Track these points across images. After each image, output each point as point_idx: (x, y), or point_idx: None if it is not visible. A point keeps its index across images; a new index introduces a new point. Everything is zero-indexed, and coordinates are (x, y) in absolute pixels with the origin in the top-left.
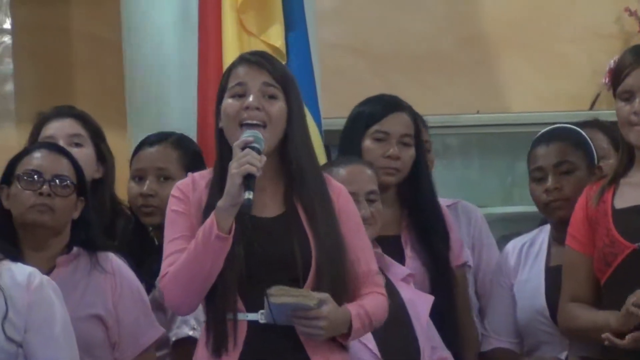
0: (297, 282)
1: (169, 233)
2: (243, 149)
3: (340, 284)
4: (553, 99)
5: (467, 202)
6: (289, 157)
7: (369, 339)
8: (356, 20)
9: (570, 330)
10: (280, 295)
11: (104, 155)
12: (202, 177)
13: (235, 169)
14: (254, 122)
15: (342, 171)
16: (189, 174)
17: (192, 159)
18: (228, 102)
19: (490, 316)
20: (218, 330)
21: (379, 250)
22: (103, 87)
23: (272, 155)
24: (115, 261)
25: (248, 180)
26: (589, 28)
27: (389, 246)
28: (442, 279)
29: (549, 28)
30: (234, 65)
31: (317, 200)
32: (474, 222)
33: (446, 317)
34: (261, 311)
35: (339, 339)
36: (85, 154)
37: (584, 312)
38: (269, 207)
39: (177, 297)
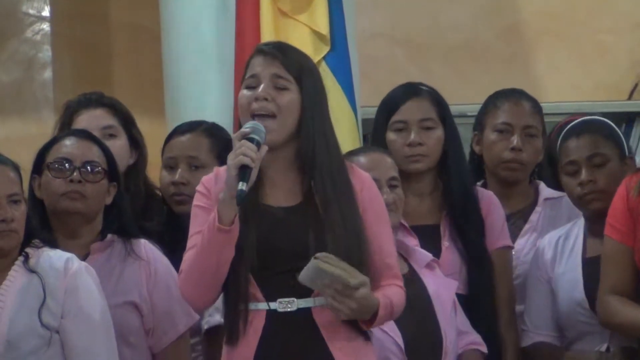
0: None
1: (191, 228)
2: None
3: (357, 267)
4: (591, 89)
5: None
6: (303, 148)
7: (391, 327)
8: (395, 9)
9: (610, 325)
10: (326, 262)
11: (136, 141)
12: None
13: (230, 160)
14: (263, 113)
15: (362, 159)
16: (215, 167)
17: (223, 147)
18: (242, 93)
19: (529, 311)
20: (233, 321)
21: (412, 237)
22: (141, 75)
23: (288, 146)
24: (149, 248)
25: (243, 172)
26: (628, 18)
27: (427, 236)
28: (478, 267)
29: (587, 18)
30: (251, 57)
31: (334, 190)
32: (576, 215)
33: (483, 305)
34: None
35: (361, 323)
36: (119, 146)
37: (624, 308)
38: (286, 197)
39: (191, 292)
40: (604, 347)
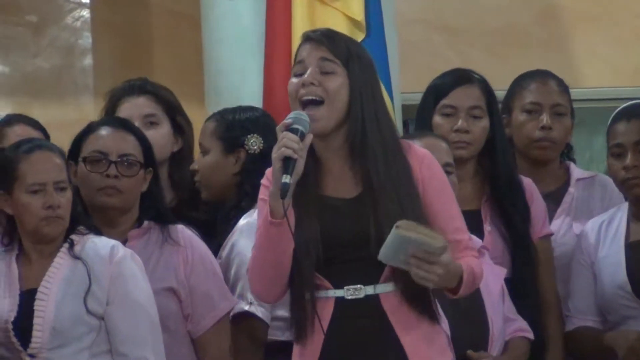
0: (377, 260)
1: (257, 222)
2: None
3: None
4: (630, 74)
5: (604, 176)
6: (352, 133)
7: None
8: None
9: None
10: (408, 229)
11: (181, 128)
12: None
13: (274, 154)
14: (311, 97)
15: (418, 143)
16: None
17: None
18: (291, 81)
19: (572, 296)
20: (298, 312)
21: None
22: (181, 61)
23: (339, 133)
24: (186, 233)
25: (286, 164)
26: None
27: (469, 221)
28: (522, 253)
29: (626, 2)
30: (299, 45)
31: (389, 175)
32: (609, 195)
33: (527, 290)
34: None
35: (447, 292)
36: (160, 134)
37: None
38: (347, 187)
39: (257, 287)
40: None
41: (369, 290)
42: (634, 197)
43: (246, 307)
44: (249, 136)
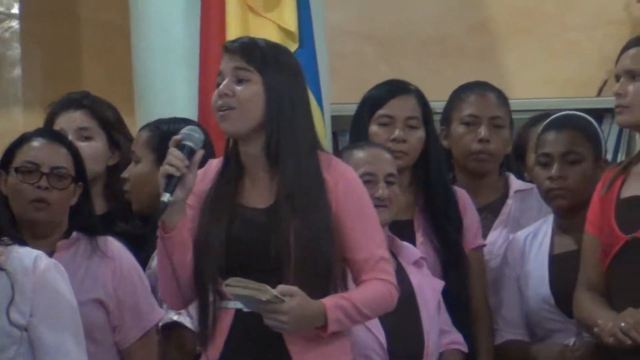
0: (278, 271)
1: None
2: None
3: (324, 273)
4: (561, 85)
5: None
6: (266, 142)
7: (374, 324)
8: (364, 5)
9: (579, 321)
10: (235, 286)
11: (117, 142)
12: (218, 163)
13: (161, 169)
14: (225, 108)
15: (362, 153)
16: (209, 160)
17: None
18: (214, 93)
19: (500, 309)
20: (201, 319)
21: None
22: (110, 73)
23: (255, 141)
24: (115, 245)
25: (168, 182)
26: (598, 14)
27: (401, 230)
28: (454, 263)
29: (557, 14)
30: (221, 56)
31: (299, 188)
32: (546, 207)
33: (458, 302)
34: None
35: (320, 332)
36: (94, 147)
37: (590, 306)
38: (261, 197)
39: (162, 294)
40: (570, 343)
41: None
42: (556, 208)
43: (175, 317)
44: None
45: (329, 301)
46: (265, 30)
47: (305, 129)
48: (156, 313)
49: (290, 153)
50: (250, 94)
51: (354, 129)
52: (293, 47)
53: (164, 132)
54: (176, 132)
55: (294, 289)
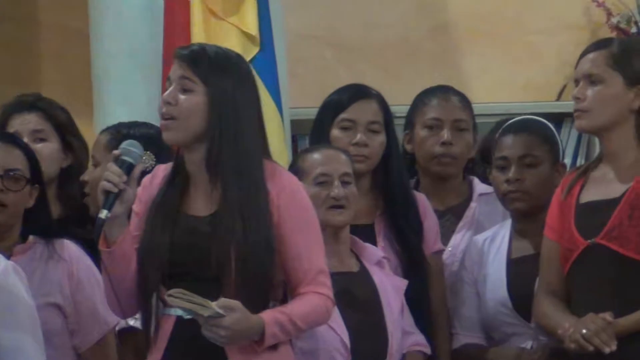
0: (218, 280)
1: None
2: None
3: (264, 283)
4: (521, 90)
5: None
6: (208, 151)
7: (338, 324)
8: (324, 9)
9: (539, 325)
10: (177, 298)
11: (70, 144)
12: (166, 169)
13: (99, 186)
14: (167, 116)
15: (317, 155)
16: (157, 165)
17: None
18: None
19: (457, 313)
20: (144, 326)
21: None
22: (70, 77)
23: (198, 150)
24: (72, 248)
25: (106, 198)
26: (557, 19)
27: (362, 235)
28: (415, 267)
29: (517, 18)
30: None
31: (239, 198)
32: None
33: (418, 305)
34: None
35: (255, 345)
36: (49, 149)
37: (551, 312)
38: (204, 205)
39: (108, 302)
40: (528, 345)
41: None
42: (513, 211)
43: (131, 322)
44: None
45: (268, 316)
46: (227, 34)
47: (251, 138)
48: (113, 316)
49: (232, 162)
50: (192, 104)
51: (315, 133)
52: (254, 50)
53: (124, 136)
54: (137, 136)
55: (235, 303)
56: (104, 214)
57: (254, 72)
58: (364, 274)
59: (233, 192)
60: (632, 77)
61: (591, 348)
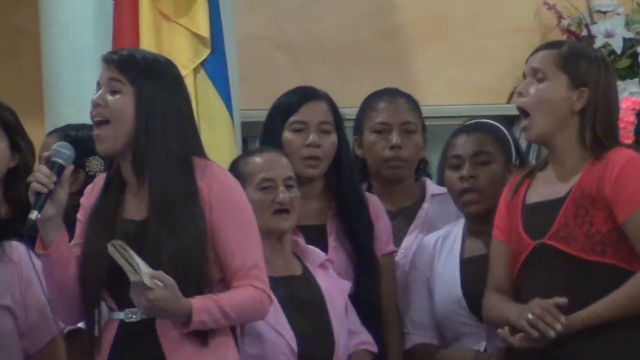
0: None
1: None
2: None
3: (198, 283)
4: (471, 92)
5: None
6: (136, 153)
7: (284, 327)
8: (274, 11)
9: (489, 322)
10: (117, 252)
11: (17, 145)
12: (104, 178)
13: (30, 187)
14: (98, 118)
15: (258, 159)
16: (99, 174)
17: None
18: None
19: (409, 313)
20: (89, 330)
21: (298, 236)
22: (21, 78)
23: (128, 155)
24: (20, 250)
25: (36, 199)
26: (508, 22)
27: (313, 235)
28: (366, 268)
29: (468, 21)
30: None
31: (169, 199)
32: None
33: (369, 306)
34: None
35: (180, 327)
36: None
37: (497, 303)
38: (138, 209)
39: (54, 310)
40: (482, 348)
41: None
42: (467, 213)
43: (79, 324)
44: (90, 158)
45: (197, 302)
46: (177, 36)
47: (178, 139)
48: None
49: (158, 165)
50: (121, 104)
51: (266, 137)
52: (205, 52)
53: (72, 138)
54: (84, 140)
55: (169, 281)
56: (34, 214)
57: (205, 75)
58: (307, 277)
59: (161, 194)
60: (577, 79)
61: (535, 334)
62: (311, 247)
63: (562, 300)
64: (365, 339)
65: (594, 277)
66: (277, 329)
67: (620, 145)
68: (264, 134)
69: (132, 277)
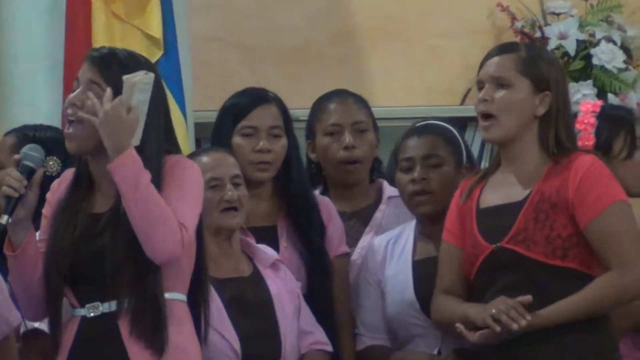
0: (115, 277)
1: None
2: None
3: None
4: (424, 93)
5: None
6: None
7: (228, 330)
8: (228, 12)
9: (440, 322)
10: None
11: None
12: (70, 174)
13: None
14: (71, 119)
15: (205, 159)
16: (65, 170)
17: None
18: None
19: (361, 314)
20: (51, 328)
21: (249, 237)
22: None
23: (104, 157)
24: None
25: (7, 203)
26: (462, 23)
27: (264, 236)
28: (318, 268)
29: (421, 22)
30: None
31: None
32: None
33: (322, 307)
34: None
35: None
36: None
37: (451, 304)
38: (104, 202)
39: (22, 307)
40: (435, 350)
41: (106, 307)
42: (419, 215)
43: (36, 324)
44: (47, 158)
45: (135, 156)
46: (130, 37)
47: (156, 141)
48: (14, 317)
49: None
50: (90, 105)
51: (216, 139)
52: (157, 54)
53: (29, 139)
54: (42, 139)
55: (134, 112)
56: (4, 219)
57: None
58: (256, 278)
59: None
60: (539, 83)
61: (498, 328)
62: (262, 247)
63: (527, 298)
64: (319, 339)
65: (553, 280)
66: (220, 331)
67: (579, 149)
68: (214, 135)
69: (130, 78)
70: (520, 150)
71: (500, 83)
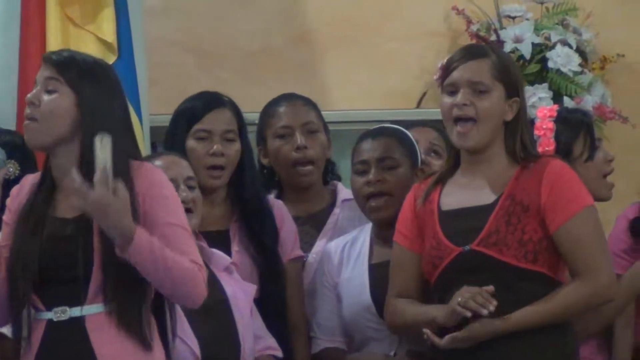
0: (88, 282)
1: None
2: None
3: (134, 279)
4: (380, 97)
5: None
6: (82, 156)
7: (187, 334)
8: (185, 15)
9: (397, 326)
10: (102, 145)
11: None
12: (34, 178)
13: None
14: (29, 117)
15: (158, 162)
16: (26, 175)
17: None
18: None
19: (316, 317)
20: (15, 332)
21: (202, 242)
22: None
23: (65, 154)
24: None
25: None
26: (417, 26)
27: (217, 240)
28: (271, 272)
29: (377, 25)
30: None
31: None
32: None
33: (275, 311)
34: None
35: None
36: None
37: (410, 306)
38: (67, 206)
39: None
40: (392, 353)
41: (75, 312)
42: (374, 220)
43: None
44: (7, 161)
45: (143, 231)
46: (84, 42)
47: (121, 143)
48: None
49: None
50: (55, 105)
51: (169, 143)
52: (112, 58)
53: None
54: (1, 143)
55: (121, 191)
56: None
57: None
58: (212, 281)
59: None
60: (511, 89)
61: (469, 314)
62: (215, 251)
63: (490, 288)
64: (270, 344)
65: (522, 283)
66: (180, 336)
67: (541, 154)
68: (168, 139)
69: (99, 163)
70: (491, 155)
71: (478, 89)
